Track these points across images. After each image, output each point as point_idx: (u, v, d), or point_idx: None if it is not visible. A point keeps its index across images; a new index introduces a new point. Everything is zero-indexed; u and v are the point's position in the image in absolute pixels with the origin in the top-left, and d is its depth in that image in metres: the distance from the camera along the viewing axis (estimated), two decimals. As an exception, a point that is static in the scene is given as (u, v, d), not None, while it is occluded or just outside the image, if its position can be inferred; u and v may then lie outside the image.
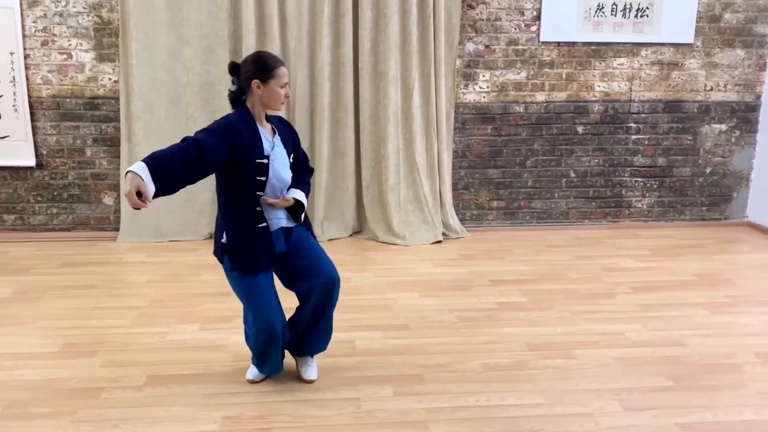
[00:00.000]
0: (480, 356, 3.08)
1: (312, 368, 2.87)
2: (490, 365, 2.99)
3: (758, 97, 5.45)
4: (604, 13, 5.11)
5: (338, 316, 3.38)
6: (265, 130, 2.59)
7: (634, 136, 5.40)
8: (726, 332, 3.37)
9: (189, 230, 5.09)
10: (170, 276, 4.25)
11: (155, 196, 2.22)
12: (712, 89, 5.39)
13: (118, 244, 4.98)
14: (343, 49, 4.91)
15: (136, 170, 2.17)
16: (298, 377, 2.85)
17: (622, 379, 2.86)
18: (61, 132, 4.96)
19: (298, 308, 2.80)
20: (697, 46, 5.29)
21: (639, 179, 5.49)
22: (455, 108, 5.18)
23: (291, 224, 2.70)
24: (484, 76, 5.18)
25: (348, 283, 3.92)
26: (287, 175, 2.62)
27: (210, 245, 5.01)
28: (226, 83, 4.91)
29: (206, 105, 4.96)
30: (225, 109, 4.92)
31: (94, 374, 2.89)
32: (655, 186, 5.51)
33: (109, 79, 4.92)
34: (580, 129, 5.34)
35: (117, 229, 5.11)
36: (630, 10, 5.13)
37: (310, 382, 2.82)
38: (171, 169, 2.27)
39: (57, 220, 5.11)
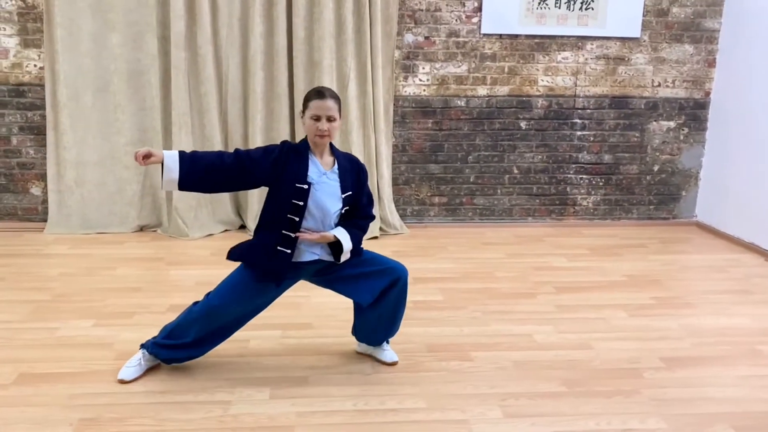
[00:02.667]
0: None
1: (388, 351, 2.92)
2: (381, 367, 2.87)
3: (707, 94, 5.33)
4: (547, 5, 4.98)
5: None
6: (320, 161, 2.61)
7: (579, 132, 5.28)
8: (638, 336, 3.25)
9: (117, 222, 4.96)
10: (84, 269, 4.11)
11: (183, 187, 2.50)
12: (659, 85, 5.27)
13: (45, 235, 4.84)
14: (277, 37, 4.77)
15: (167, 151, 2.49)
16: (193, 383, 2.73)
17: (513, 383, 2.74)
18: (-15, 119, 4.82)
19: (364, 310, 2.78)
20: (644, 41, 5.16)
21: (584, 176, 5.36)
22: (395, 101, 5.05)
23: (329, 259, 2.66)
24: (424, 68, 5.05)
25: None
26: (332, 206, 2.60)
27: (139, 237, 4.92)
28: (155, 72, 4.79)
29: (135, 94, 4.82)
30: (155, 98, 4.84)
31: (-36, 371, 2.76)
32: (601, 183, 5.39)
33: (35, 65, 4.77)
34: (523, 124, 5.22)
35: (45, 220, 4.97)
36: (574, 3, 4.99)
37: (395, 363, 2.88)
38: (202, 162, 2.50)
39: (-18, 210, 4.97)
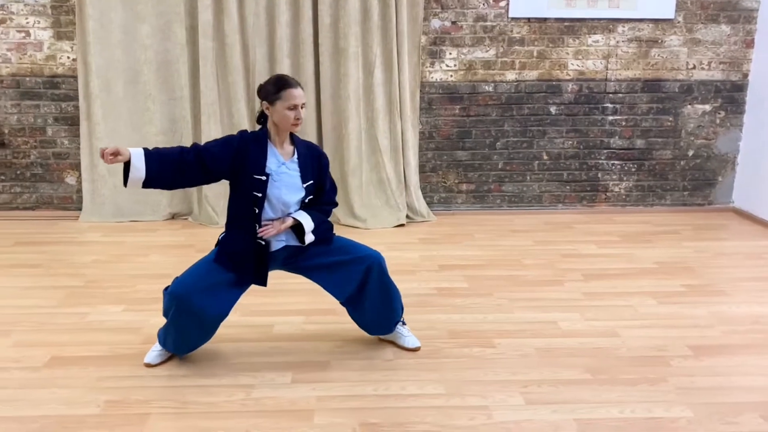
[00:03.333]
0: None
1: (409, 337, 2.90)
2: (402, 353, 2.87)
3: (745, 75, 5.16)
4: (577, -13, 4.87)
5: (264, 299, 3.35)
6: (280, 151, 2.62)
7: (610, 117, 5.16)
8: (666, 323, 3.18)
9: (150, 210, 5.05)
10: (116, 256, 4.21)
11: (147, 185, 2.50)
12: (694, 67, 5.11)
13: (79, 223, 4.96)
14: (303, 24, 4.78)
15: (131, 149, 2.47)
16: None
17: (536, 370, 2.72)
18: (22, 111, 4.94)
19: (353, 303, 2.82)
20: (678, 22, 5.02)
21: (616, 162, 5.26)
22: (421, 87, 5.02)
23: (296, 243, 2.68)
24: (450, 53, 5.00)
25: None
26: (291, 198, 2.62)
27: (170, 225, 5.01)
28: (184, 61, 4.85)
29: (164, 84, 4.88)
30: (184, 88, 4.90)
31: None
32: (633, 169, 5.28)
33: (68, 57, 4.87)
34: (553, 109, 5.13)
35: (80, 209, 5.09)
36: (605, -16, 4.87)
37: (417, 349, 2.87)
38: (166, 161, 2.49)
39: (21, 199, 5.11)
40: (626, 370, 2.72)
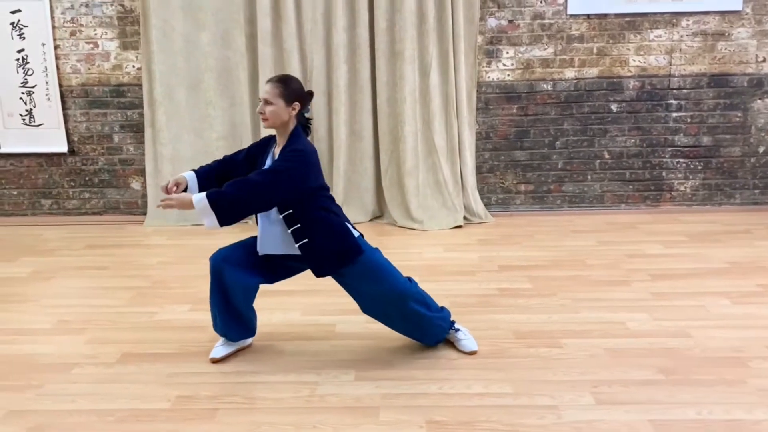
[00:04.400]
0: (460, 343, 2.92)
1: (465, 340, 2.84)
2: (466, 352, 2.83)
3: (820, 67, 4.93)
4: (638, -19, 4.75)
5: (326, 299, 3.37)
6: (276, 152, 2.67)
7: (674, 114, 5.01)
8: (742, 324, 3.04)
9: (211, 214, 5.15)
10: (180, 258, 4.31)
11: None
12: (764, 60, 4.91)
13: (144, 227, 5.12)
14: (359, 29, 4.82)
15: (185, 173, 2.70)
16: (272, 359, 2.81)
17: (605, 370, 2.63)
18: (90, 119, 5.14)
19: (379, 320, 2.87)
20: (746, 14, 4.83)
21: (681, 160, 5.09)
22: (478, 87, 4.98)
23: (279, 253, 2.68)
24: (507, 52, 4.94)
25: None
26: None
27: (231, 229, 5.09)
28: (244, 68, 4.95)
29: (225, 90, 4.99)
30: (244, 94, 5.00)
31: (74, 350, 2.95)
32: (699, 167, 5.10)
33: (133, 66, 5.04)
34: (614, 107, 5.01)
35: (145, 213, 5.25)
36: (668, -23, 4.74)
37: (474, 352, 2.80)
38: (211, 177, 2.71)
39: (89, 204, 5.30)
40: (701, 371, 2.61)
